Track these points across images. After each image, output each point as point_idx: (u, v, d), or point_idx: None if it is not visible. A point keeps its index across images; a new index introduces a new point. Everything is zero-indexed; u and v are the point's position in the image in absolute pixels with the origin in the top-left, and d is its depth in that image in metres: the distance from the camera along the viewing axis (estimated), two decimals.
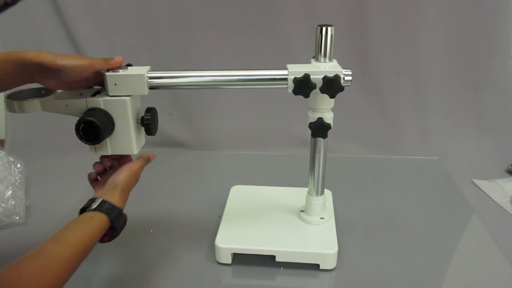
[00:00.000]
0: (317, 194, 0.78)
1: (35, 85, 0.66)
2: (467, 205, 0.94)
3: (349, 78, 0.66)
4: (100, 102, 0.64)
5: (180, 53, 1.19)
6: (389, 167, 1.13)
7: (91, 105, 0.64)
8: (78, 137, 0.62)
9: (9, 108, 0.64)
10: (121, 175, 0.67)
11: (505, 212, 0.92)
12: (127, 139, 0.66)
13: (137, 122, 0.67)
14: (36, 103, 0.64)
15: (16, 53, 0.58)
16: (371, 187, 1.02)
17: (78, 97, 0.65)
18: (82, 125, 0.61)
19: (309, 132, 0.71)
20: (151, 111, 0.67)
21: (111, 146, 0.66)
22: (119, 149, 0.67)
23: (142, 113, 0.67)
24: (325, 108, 0.69)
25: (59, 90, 0.68)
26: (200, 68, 0.67)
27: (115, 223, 0.62)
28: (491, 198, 0.97)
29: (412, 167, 1.13)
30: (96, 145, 0.66)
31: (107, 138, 0.65)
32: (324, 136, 0.71)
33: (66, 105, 0.64)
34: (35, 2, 1.15)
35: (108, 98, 0.64)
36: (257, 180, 0.95)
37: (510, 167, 1.09)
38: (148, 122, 0.66)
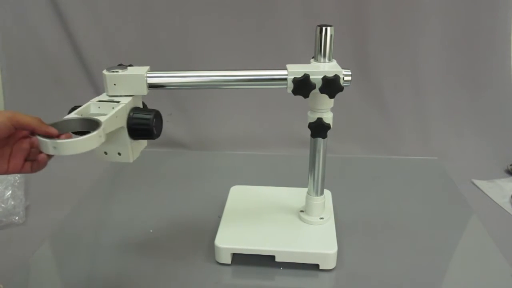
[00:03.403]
0: (316, 194, 0.78)
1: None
2: (467, 205, 0.94)
3: (349, 78, 0.66)
4: (133, 101, 0.63)
5: (180, 53, 1.19)
6: (389, 167, 1.13)
7: (129, 108, 0.62)
8: (148, 136, 0.62)
9: (90, 145, 0.53)
10: None
11: (505, 212, 0.92)
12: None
13: None
14: (104, 129, 0.55)
15: None
16: (370, 187, 1.02)
17: (94, 111, 0.62)
18: (154, 120, 0.61)
19: (308, 132, 0.71)
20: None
21: (135, 147, 0.65)
22: (138, 151, 0.66)
23: None
24: (324, 108, 0.69)
25: (72, 114, 0.59)
26: (200, 68, 0.67)
27: None
28: (490, 198, 0.97)
29: (411, 167, 1.13)
30: (133, 148, 0.63)
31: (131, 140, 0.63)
32: (324, 136, 0.71)
33: (117, 117, 0.59)
34: (35, 2, 1.15)
35: (132, 96, 0.63)
36: (256, 180, 0.95)
37: (509, 167, 1.09)
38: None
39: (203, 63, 1.18)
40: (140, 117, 0.61)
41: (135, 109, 0.63)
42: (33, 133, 0.53)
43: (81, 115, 0.59)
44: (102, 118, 0.55)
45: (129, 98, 0.63)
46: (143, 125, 0.61)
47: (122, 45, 1.19)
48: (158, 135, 0.63)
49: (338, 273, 0.73)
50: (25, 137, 0.56)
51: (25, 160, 0.57)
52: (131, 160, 0.63)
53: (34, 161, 0.58)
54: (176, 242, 0.82)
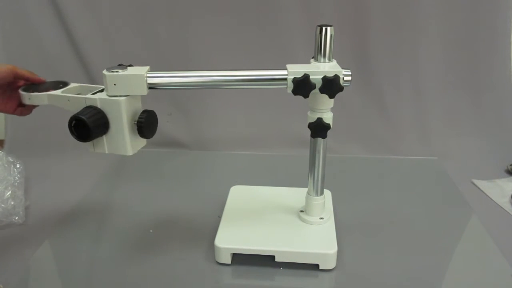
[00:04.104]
0: (316, 194, 0.78)
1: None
2: (467, 205, 0.94)
3: (349, 78, 0.66)
4: (97, 101, 0.64)
5: (180, 53, 1.19)
6: (389, 167, 1.13)
7: (89, 103, 0.65)
8: (70, 133, 0.64)
9: (22, 99, 0.70)
10: None
11: (505, 212, 0.92)
12: (121, 139, 0.66)
13: (134, 123, 0.67)
14: (43, 96, 0.69)
15: None
16: (370, 187, 1.02)
17: (83, 93, 0.67)
18: (74, 122, 0.63)
19: (309, 132, 0.71)
20: (146, 113, 0.66)
21: (108, 145, 0.67)
22: (114, 149, 0.67)
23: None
24: (324, 108, 0.69)
25: (72, 85, 0.72)
26: (200, 68, 0.67)
27: None
28: (490, 198, 0.97)
29: (411, 167, 1.13)
30: (95, 143, 0.67)
31: (104, 137, 0.66)
32: (324, 136, 0.71)
33: (68, 100, 0.67)
34: (35, 2, 1.15)
35: (104, 97, 0.64)
36: (256, 180, 0.95)
37: (509, 167, 1.09)
38: (140, 124, 0.65)
39: (203, 63, 1.18)
40: (74, 115, 0.63)
41: (87, 108, 0.64)
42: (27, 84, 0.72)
43: (90, 90, 0.68)
44: (58, 92, 0.69)
45: (101, 96, 0.64)
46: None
47: (122, 45, 1.19)
48: (81, 139, 0.64)
49: (338, 273, 0.73)
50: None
51: (18, 106, 0.73)
52: (90, 150, 0.68)
53: (23, 107, 0.74)
54: (176, 242, 0.82)
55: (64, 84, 0.72)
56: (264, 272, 0.74)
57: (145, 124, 0.66)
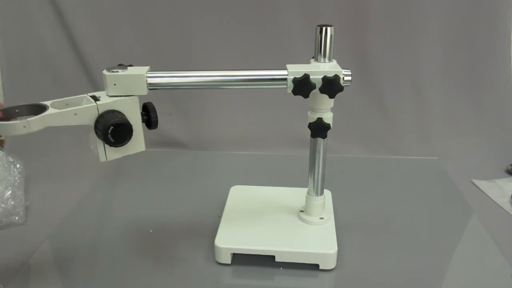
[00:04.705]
0: (316, 194, 0.78)
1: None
2: (467, 205, 0.94)
3: (349, 78, 0.66)
4: (113, 103, 0.63)
5: (180, 53, 1.19)
6: (389, 167, 1.13)
7: (102, 109, 0.63)
8: (107, 142, 0.62)
9: (12, 131, 0.58)
10: None
11: (505, 212, 0.92)
12: (137, 136, 0.66)
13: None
14: (41, 119, 0.60)
15: None
16: (370, 187, 1.02)
17: (85, 104, 0.63)
18: (112, 128, 0.61)
19: (309, 132, 0.71)
20: (151, 105, 0.68)
21: (122, 147, 0.65)
22: (129, 149, 0.66)
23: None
24: (324, 108, 0.69)
25: (51, 101, 0.64)
26: (199, 68, 0.67)
27: None
28: (490, 198, 0.97)
29: (411, 167, 1.13)
30: (107, 150, 0.65)
31: None
32: (324, 136, 0.71)
33: (75, 114, 0.62)
34: (35, 2, 1.15)
35: (119, 98, 0.63)
36: (256, 180, 0.95)
37: (509, 167, 1.09)
38: (155, 118, 0.67)
39: (203, 63, 1.18)
40: (101, 123, 0.61)
41: (106, 113, 0.62)
42: None
43: (66, 104, 0.64)
44: (56, 110, 0.60)
45: (114, 99, 0.63)
46: (98, 130, 0.61)
47: (122, 45, 1.19)
48: (116, 144, 0.62)
49: (338, 273, 0.73)
50: None
51: None
52: (101, 159, 0.65)
53: None
54: (176, 242, 0.82)
55: (40, 107, 0.62)
56: (264, 272, 0.74)
57: (153, 115, 0.67)
